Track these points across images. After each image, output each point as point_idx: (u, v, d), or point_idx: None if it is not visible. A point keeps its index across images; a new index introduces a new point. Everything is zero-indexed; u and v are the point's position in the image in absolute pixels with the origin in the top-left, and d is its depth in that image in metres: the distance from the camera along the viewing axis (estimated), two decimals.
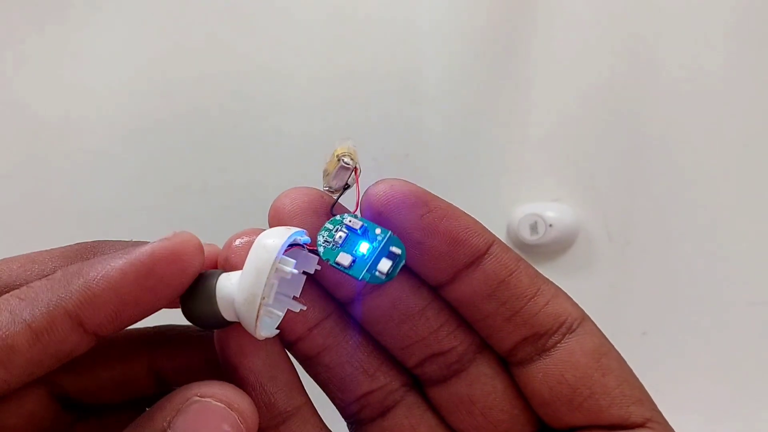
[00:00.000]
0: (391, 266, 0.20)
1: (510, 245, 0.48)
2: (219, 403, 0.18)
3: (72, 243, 0.22)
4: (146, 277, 0.18)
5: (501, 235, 0.50)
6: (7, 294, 0.18)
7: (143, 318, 0.20)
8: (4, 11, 0.52)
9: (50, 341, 0.18)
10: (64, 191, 0.51)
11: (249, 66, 0.51)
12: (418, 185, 0.21)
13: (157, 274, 0.19)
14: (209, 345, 0.22)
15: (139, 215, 0.51)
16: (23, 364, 0.17)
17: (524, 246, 0.49)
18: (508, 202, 0.50)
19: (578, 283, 0.49)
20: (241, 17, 0.51)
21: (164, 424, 0.18)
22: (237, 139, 0.51)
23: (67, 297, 0.18)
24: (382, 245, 0.20)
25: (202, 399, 0.18)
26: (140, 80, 0.51)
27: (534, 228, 0.49)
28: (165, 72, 0.51)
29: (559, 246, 0.50)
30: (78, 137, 0.51)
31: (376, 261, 0.20)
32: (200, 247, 0.20)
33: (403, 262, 0.20)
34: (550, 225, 0.48)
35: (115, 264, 0.18)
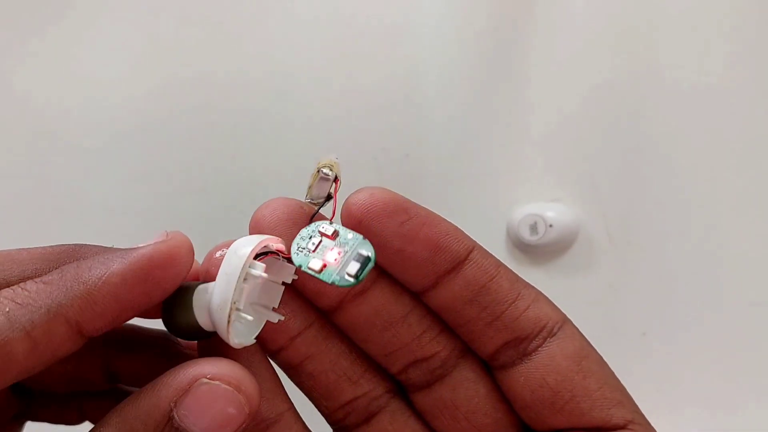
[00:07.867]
0: (359, 269, 0.20)
1: (510, 245, 0.49)
2: (228, 387, 0.18)
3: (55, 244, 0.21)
4: (144, 282, 0.18)
5: (501, 236, 0.50)
6: (1, 295, 0.18)
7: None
8: (3, 10, 0.52)
9: (47, 349, 0.17)
10: (64, 190, 0.52)
11: (249, 66, 0.52)
12: (398, 193, 0.22)
13: (155, 279, 0.18)
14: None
15: (139, 215, 0.51)
16: (18, 372, 0.17)
17: (524, 246, 0.49)
18: (508, 202, 0.50)
19: (578, 284, 0.48)
20: (241, 18, 0.52)
21: (170, 404, 0.18)
22: (237, 139, 0.51)
23: (68, 304, 0.17)
24: (352, 249, 0.20)
25: (212, 382, 0.18)
26: (139, 80, 0.52)
27: (534, 228, 0.48)
28: (164, 72, 0.52)
29: (559, 246, 0.49)
30: (77, 136, 0.52)
31: (346, 264, 0.20)
32: (192, 249, 0.19)
33: (372, 264, 0.20)
34: (550, 225, 0.48)
35: (115, 269, 0.18)
